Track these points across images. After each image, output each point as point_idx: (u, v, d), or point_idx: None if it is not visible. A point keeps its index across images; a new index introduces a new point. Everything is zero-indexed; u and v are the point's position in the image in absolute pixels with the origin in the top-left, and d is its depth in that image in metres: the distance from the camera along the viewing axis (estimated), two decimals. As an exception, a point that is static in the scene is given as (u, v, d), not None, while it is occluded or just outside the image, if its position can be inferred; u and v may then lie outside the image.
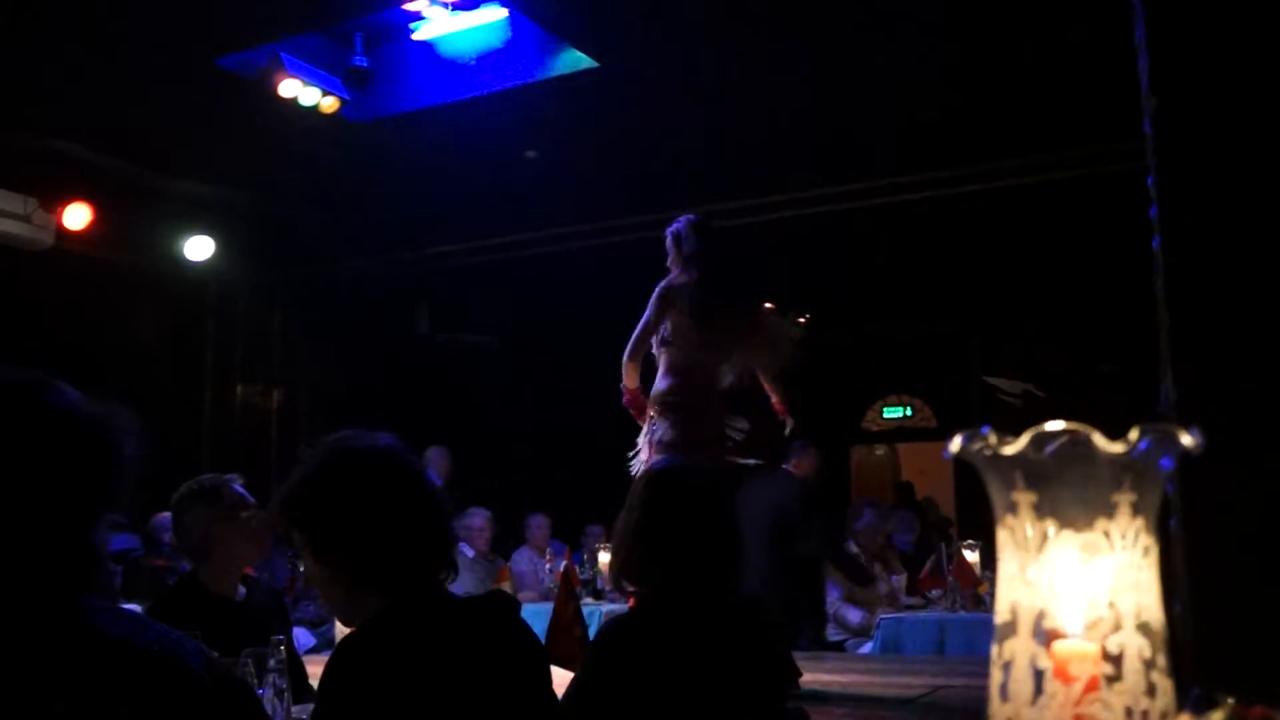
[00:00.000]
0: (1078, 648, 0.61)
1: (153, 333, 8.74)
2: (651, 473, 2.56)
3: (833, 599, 7.05)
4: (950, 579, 6.65)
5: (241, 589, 3.46)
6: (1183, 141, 2.23)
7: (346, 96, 6.74)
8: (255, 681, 2.32)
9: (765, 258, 8.18)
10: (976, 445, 0.62)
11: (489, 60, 6.36)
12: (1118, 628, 0.61)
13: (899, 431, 13.65)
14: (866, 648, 6.62)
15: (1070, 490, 0.61)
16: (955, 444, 0.63)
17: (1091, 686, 0.61)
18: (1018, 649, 0.62)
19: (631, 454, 4.62)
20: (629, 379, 4.65)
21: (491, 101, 6.57)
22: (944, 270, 9.69)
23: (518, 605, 2.09)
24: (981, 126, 6.90)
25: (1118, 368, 8.62)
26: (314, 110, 6.62)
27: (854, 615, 6.94)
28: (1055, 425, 0.60)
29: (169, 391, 9.00)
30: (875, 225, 8.24)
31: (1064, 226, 8.32)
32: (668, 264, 4.75)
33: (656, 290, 4.61)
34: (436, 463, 7.92)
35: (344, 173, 7.84)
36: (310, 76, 6.46)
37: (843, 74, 6.44)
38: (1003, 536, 0.64)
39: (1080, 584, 0.62)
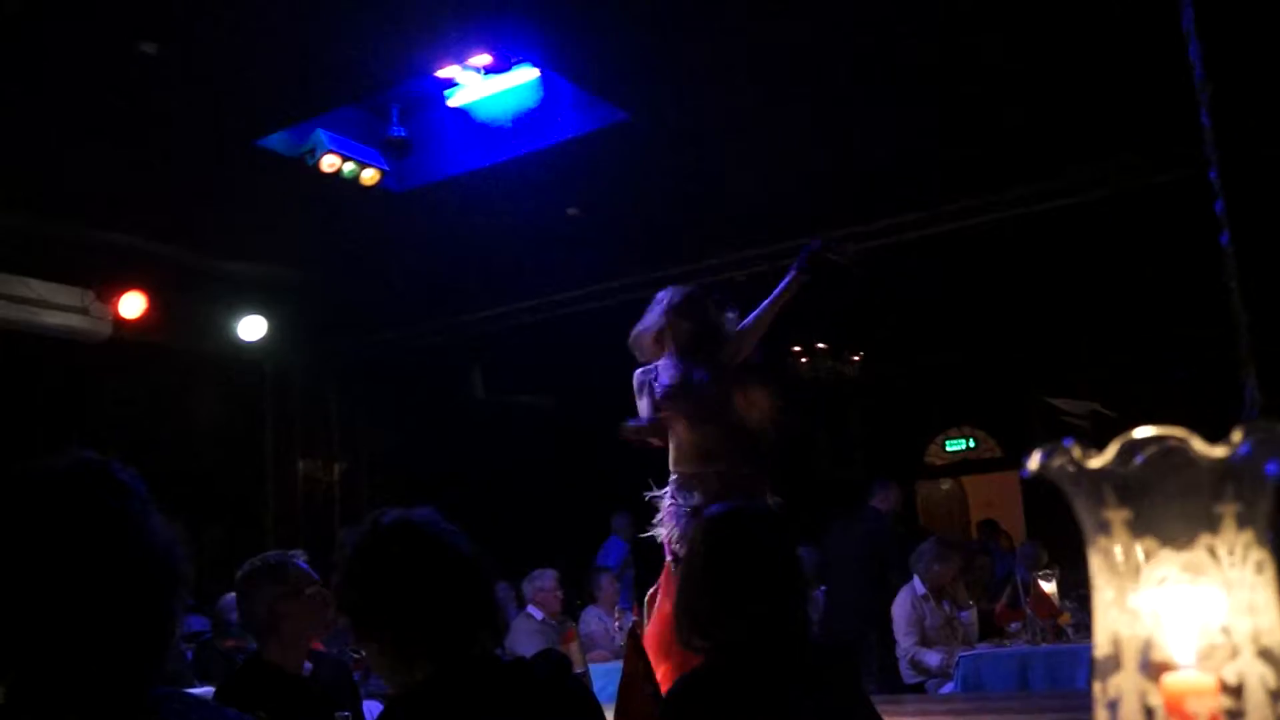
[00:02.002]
0: (1192, 681, 0.54)
1: (212, 414, 8.83)
2: (710, 518, 2.47)
3: (908, 645, 6.85)
4: (1028, 611, 6.48)
5: (308, 665, 3.43)
6: (1243, 127, 2.16)
7: (386, 167, 6.80)
8: (323, 759, 2.28)
9: (813, 298, 8.11)
10: (1059, 461, 0.56)
11: (524, 121, 6.40)
12: (1235, 655, 0.54)
13: (963, 464, 13.42)
14: (947, 688, 6.44)
15: (1168, 503, 0.54)
16: (1034, 461, 0.57)
17: (1211, 723, 0.54)
18: (1124, 686, 0.56)
19: (655, 520, 4.45)
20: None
21: (530, 161, 6.60)
22: (994, 296, 9.56)
23: (568, 664, 2.04)
24: (1026, 145, 6.81)
25: (1192, 370, 8.37)
26: (355, 183, 6.69)
27: (932, 658, 6.75)
28: (1145, 431, 0.53)
29: (231, 472, 9.08)
30: (921, 257, 8.14)
31: (1115, 239, 8.18)
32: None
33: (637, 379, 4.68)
34: (623, 529, 8.16)
35: (389, 242, 7.90)
36: (349, 150, 6.53)
37: (876, 111, 6.39)
38: (1096, 561, 0.58)
39: (1187, 608, 0.55)
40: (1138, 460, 0.53)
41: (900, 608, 6.89)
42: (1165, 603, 0.55)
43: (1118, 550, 0.56)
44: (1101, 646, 0.57)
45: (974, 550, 8.87)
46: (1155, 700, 0.55)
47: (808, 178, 7.19)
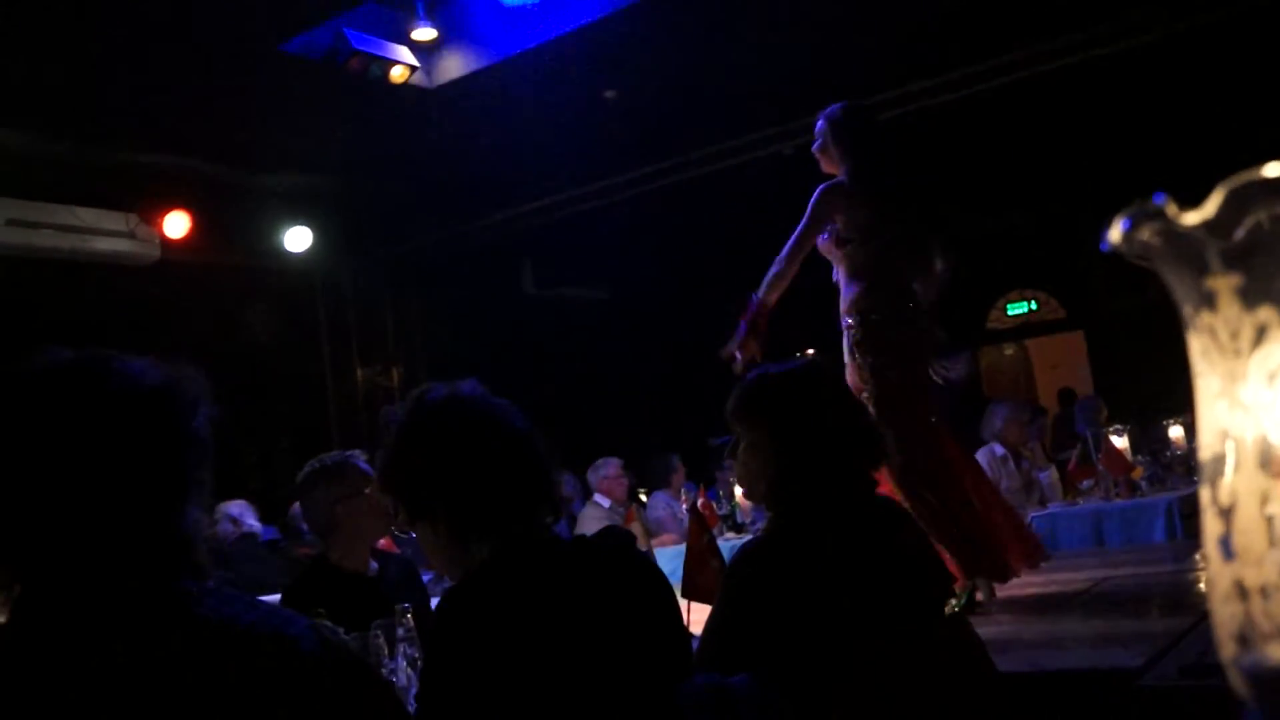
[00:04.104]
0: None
1: (267, 329, 8.86)
2: (755, 379, 2.36)
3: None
4: (1100, 468, 6.38)
5: (374, 564, 3.43)
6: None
7: (416, 64, 6.64)
8: (387, 652, 2.25)
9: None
10: (1148, 226, 0.46)
11: (552, 2, 6.20)
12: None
13: (1026, 327, 13.20)
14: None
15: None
16: (1116, 231, 0.47)
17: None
18: (1240, 490, 0.46)
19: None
20: (769, 293, 4.09)
21: (562, 45, 6.41)
22: (1050, 153, 9.26)
23: (632, 538, 1.97)
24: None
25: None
26: (386, 82, 6.54)
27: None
28: (1263, 172, 0.43)
29: (291, 384, 9.14)
30: (977, 115, 7.86)
31: (1177, 84, 7.85)
32: (822, 166, 4.23)
33: (816, 193, 4.08)
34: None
35: (427, 141, 7.77)
36: (376, 49, 6.37)
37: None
38: (1196, 346, 0.48)
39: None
40: (1251, 211, 0.43)
41: (978, 469, 6.82)
42: (1287, 388, 0.45)
43: (1228, 327, 0.45)
44: (1210, 446, 0.48)
45: (1037, 411, 8.74)
46: (1278, 506, 0.45)
47: (857, 39, 6.92)
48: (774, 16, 6.58)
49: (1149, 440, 6.90)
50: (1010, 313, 13.11)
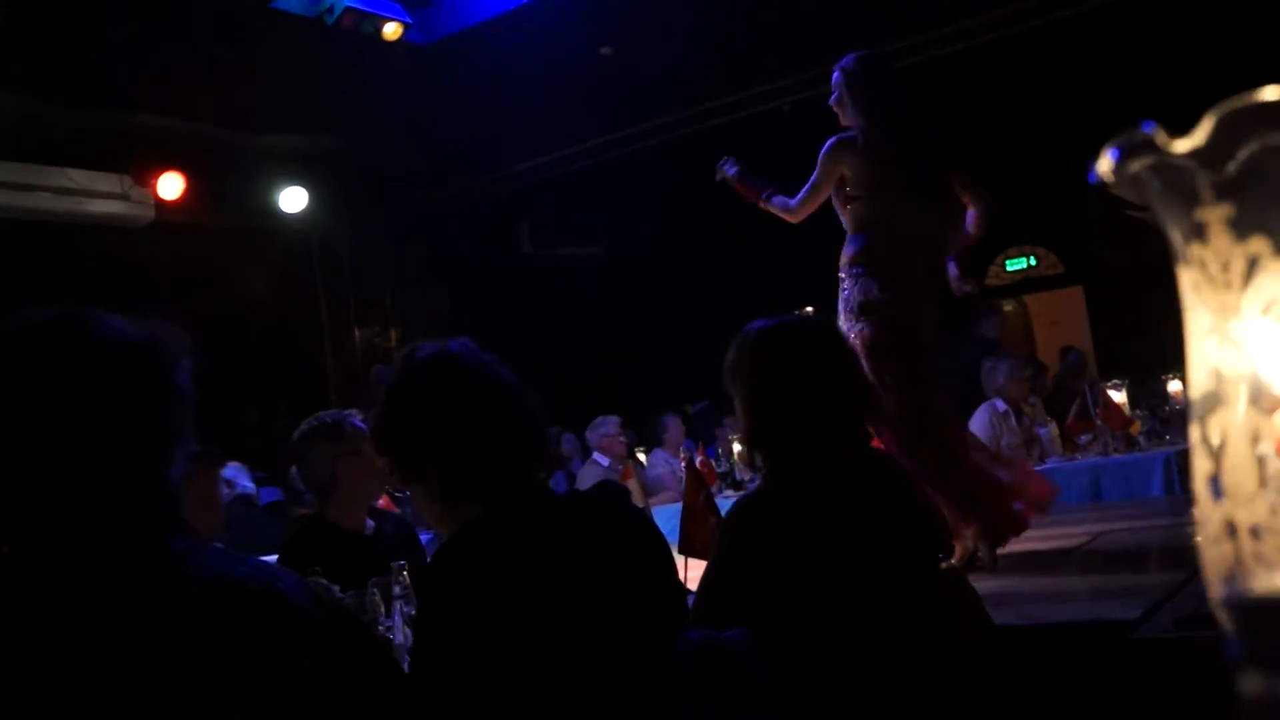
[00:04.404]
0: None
1: (264, 290, 8.84)
2: (750, 334, 2.35)
3: (979, 461, 6.78)
4: (1099, 422, 6.37)
5: (370, 522, 3.43)
6: None
7: (409, 20, 6.59)
8: (384, 610, 2.26)
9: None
10: (1137, 158, 0.44)
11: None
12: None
13: (1025, 282, 13.16)
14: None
15: (1281, 193, 0.42)
16: (1104, 163, 0.46)
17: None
18: (1229, 426, 0.45)
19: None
20: (764, 205, 4.19)
21: (555, 1, 6.35)
22: (1045, 106, 9.19)
23: (626, 493, 1.96)
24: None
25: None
26: (379, 39, 6.49)
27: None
28: (1253, 96, 0.41)
29: (289, 345, 9.13)
30: (969, 69, 7.80)
31: (1173, 34, 7.78)
32: (841, 119, 4.14)
33: (825, 146, 4.04)
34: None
35: (422, 99, 7.71)
36: (369, 5, 6.31)
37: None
38: (1187, 280, 0.46)
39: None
40: (1244, 139, 0.41)
41: (979, 423, 6.79)
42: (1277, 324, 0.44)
43: (1219, 259, 0.44)
44: (1201, 384, 0.46)
45: (1038, 367, 8.72)
46: (1270, 444, 0.44)
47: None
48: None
49: (1147, 395, 6.89)
50: (1009, 268, 13.06)
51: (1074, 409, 6.70)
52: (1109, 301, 11.67)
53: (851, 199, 4.03)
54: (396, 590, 2.24)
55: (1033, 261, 12.90)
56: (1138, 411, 6.52)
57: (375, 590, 2.27)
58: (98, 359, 1.36)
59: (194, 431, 1.42)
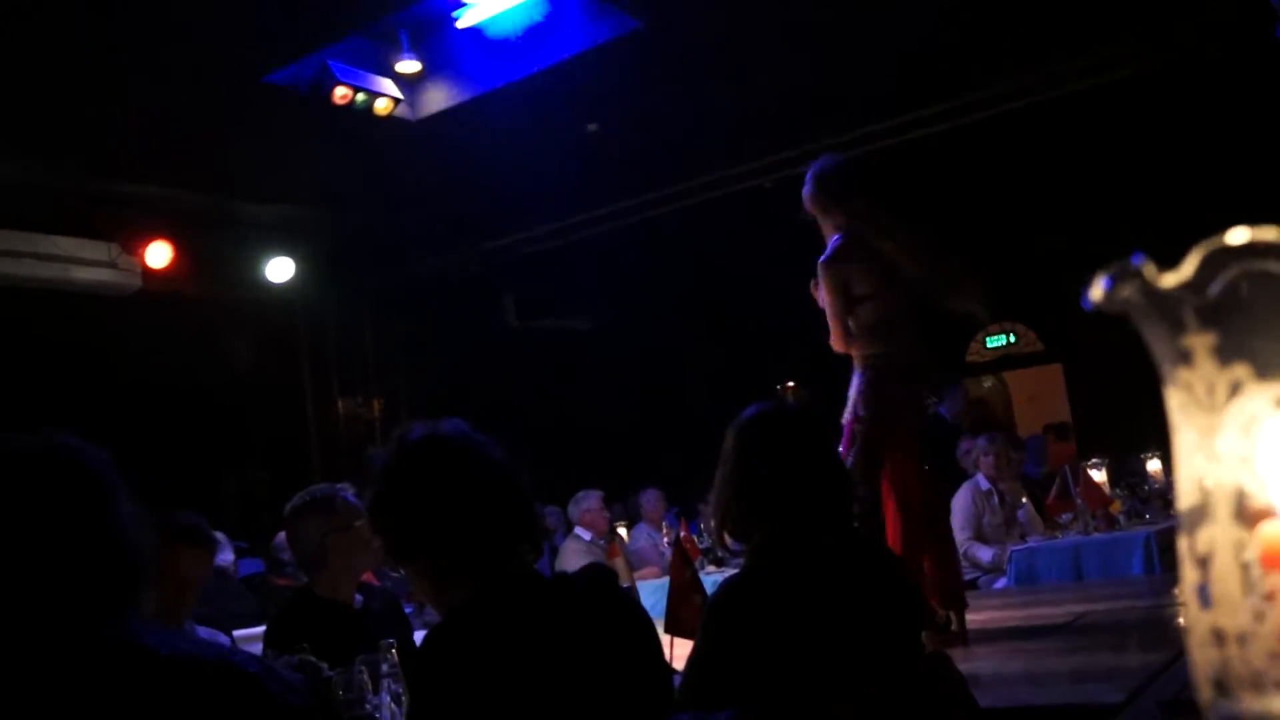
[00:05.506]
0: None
1: (248, 359, 8.84)
2: (739, 422, 2.41)
3: (962, 539, 6.79)
4: (1079, 501, 6.40)
5: (359, 597, 3.42)
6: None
7: (400, 96, 6.68)
8: (371, 688, 2.25)
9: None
10: (1127, 285, 0.48)
11: (535, 36, 6.25)
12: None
13: (1005, 359, 13.28)
14: (1000, 583, 6.40)
15: (1262, 323, 0.46)
16: (1097, 290, 0.49)
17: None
18: (1217, 539, 0.48)
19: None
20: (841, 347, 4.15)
21: (545, 78, 6.45)
22: (1027, 187, 9.35)
23: (614, 575, 1.98)
24: (1057, 22, 6.59)
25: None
26: (370, 114, 6.57)
27: (985, 553, 6.69)
28: (1234, 236, 0.45)
29: (272, 415, 9.11)
30: (952, 150, 7.95)
31: (1150, 120, 7.95)
32: (823, 230, 4.18)
33: (820, 270, 4.06)
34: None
35: (410, 173, 7.80)
36: (360, 82, 6.40)
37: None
38: (1175, 400, 0.50)
39: (1286, 446, 0.47)
40: (1225, 275, 0.45)
41: (960, 502, 6.80)
42: (1263, 441, 0.47)
43: (1204, 383, 0.47)
44: (1187, 496, 0.50)
45: (1015, 444, 8.77)
46: (1254, 553, 0.47)
47: (834, 76, 7.00)
48: (754, 53, 6.65)
49: (1127, 473, 6.93)
50: (990, 345, 13.18)
51: (1055, 488, 6.74)
52: (1087, 379, 11.77)
53: (860, 300, 4.07)
54: (384, 668, 2.24)
55: (1012, 339, 13.03)
56: (1117, 490, 6.56)
57: (363, 668, 2.27)
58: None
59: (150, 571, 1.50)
